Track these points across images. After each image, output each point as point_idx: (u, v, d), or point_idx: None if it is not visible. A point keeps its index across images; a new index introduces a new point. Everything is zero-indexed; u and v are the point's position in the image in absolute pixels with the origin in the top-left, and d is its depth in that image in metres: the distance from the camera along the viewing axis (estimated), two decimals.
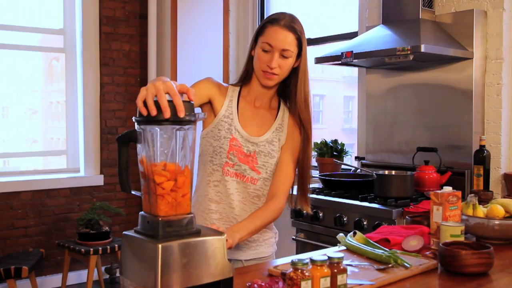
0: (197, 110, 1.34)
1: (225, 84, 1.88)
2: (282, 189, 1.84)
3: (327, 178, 3.05)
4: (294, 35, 1.75)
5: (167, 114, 1.17)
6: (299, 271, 1.23)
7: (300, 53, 1.79)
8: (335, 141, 3.69)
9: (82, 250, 3.75)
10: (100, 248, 3.77)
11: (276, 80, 1.79)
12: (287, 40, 1.74)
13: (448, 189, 1.80)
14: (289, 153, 1.87)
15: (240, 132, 1.81)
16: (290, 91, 1.86)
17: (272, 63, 1.74)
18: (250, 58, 1.84)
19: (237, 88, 1.87)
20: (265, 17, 4.78)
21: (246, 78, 1.87)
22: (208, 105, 1.84)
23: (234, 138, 1.80)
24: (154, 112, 1.17)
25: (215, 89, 1.83)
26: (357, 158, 3.49)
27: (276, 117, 1.88)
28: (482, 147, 2.78)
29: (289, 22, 1.75)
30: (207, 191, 1.85)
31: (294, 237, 3.01)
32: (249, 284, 1.33)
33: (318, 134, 5.79)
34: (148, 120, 1.20)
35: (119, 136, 1.29)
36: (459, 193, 1.77)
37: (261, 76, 1.78)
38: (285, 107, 1.90)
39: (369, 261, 1.57)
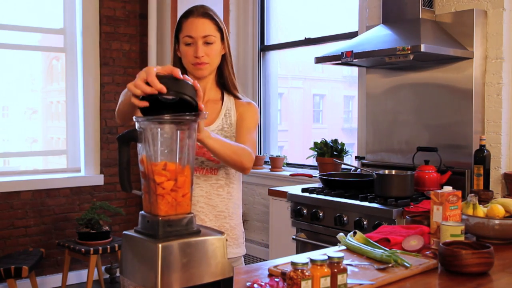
0: None
1: None
2: (245, 143, 1.85)
3: (327, 178, 3.05)
4: (211, 21, 1.81)
5: (163, 89, 1.21)
6: (299, 270, 1.23)
7: (223, 38, 1.84)
8: (335, 141, 3.69)
9: (82, 249, 3.75)
10: (100, 248, 3.77)
11: (208, 68, 1.81)
12: (205, 27, 1.78)
13: (448, 188, 1.80)
14: (243, 126, 1.90)
15: None
16: (226, 79, 1.90)
17: (198, 52, 1.76)
18: (177, 59, 1.85)
19: None
20: (265, 17, 4.80)
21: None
22: None
23: None
24: (155, 89, 1.22)
25: None
26: (357, 157, 3.49)
27: (222, 106, 1.90)
28: (482, 147, 2.78)
29: (202, 10, 1.81)
30: None
31: (294, 237, 3.01)
32: (249, 284, 1.33)
33: (318, 134, 5.80)
34: (156, 99, 1.23)
35: (119, 136, 1.29)
36: (459, 192, 1.77)
37: (193, 69, 1.81)
38: (228, 96, 1.92)
39: (369, 261, 1.57)
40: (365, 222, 2.64)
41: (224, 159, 1.69)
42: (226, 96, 1.92)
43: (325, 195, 2.93)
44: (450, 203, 1.74)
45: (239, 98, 1.94)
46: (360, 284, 1.36)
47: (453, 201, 1.75)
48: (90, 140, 4.50)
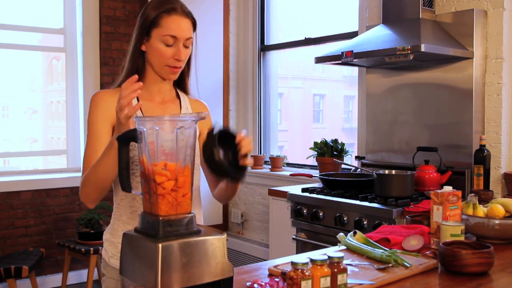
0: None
1: (116, 87, 1.67)
2: None
3: (327, 177, 3.05)
4: (192, 22, 1.65)
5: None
6: (299, 270, 1.23)
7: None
8: (335, 141, 3.69)
9: (82, 249, 3.75)
10: (100, 248, 3.77)
11: (179, 72, 1.67)
12: (188, 28, 1.62)
13: (448, 188, 1.80)
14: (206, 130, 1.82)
15: None
16: (184, 79, 1.77)
17: (181, 56, 1.61)
18: (140, 54, 1.64)
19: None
20: (265, 17, 4.79)
21: (139, 75, 1.59)
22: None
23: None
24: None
25: (111, 111, 1.57)
26: (357, 157, 3.49)
27: (180, 107, 1.76)
28: (482, 147, 2.78)
29: (186, 9, 1.64)
30: (135, 207, 1.65)
31: (294, 237, 3.01)
32: (249, 284, 1.33)
33: (318, 134, 5.80)
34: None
35: (119, 136, 1.29)
36: (459, 192, 1.77)
37: (166, 71, 1.64)
38: (182, 94, 1.80)
39: (369, 261, 1.57)
40: (365, 222, 2.64)
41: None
42: (180, 94, 1.80)
43: (325, 195, 2.93)
44: (450, 203, 1.74)
45: (187, 94, 1.82)
46: (360, 284, 1.36)
47: (453, 201, 1.75)
48: None
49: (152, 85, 1.69)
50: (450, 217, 1.74)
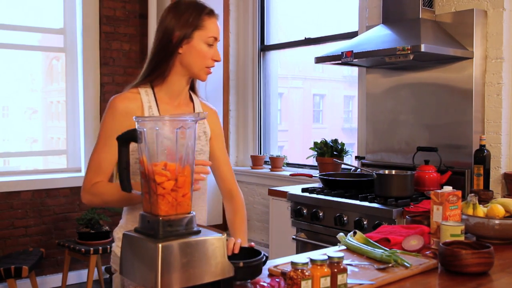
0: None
1: (130, 88, 1.69)
2: (233, 180, 1.86)
3: (327, 177, 3.05)
4: None
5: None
6: (299, 270, 1.23)
7: None
8: (335, 141, 3.69)
9: (82, 249, 3.75)
10: (100, 248, 3.77)
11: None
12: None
13: (448, 188, 1.80)
14: (220, 141, 1.85)
15: None
16: (195, 80, 1.80)
17: (219, 57, 1.68)
18: (171, 55, 1.65)
19: (150, 90, 1.68)
20: (265, 17, 4.79)
21: (159, 77, 1.67)
22: None
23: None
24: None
25: (129, 120, 1.55)
26: (357, 157, 3.49)
27: (194, 110, 1.78)
28: (482, 147, 2.78)
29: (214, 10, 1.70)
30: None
31: (294, 237, 3.01)
32: (251, 284, 1.33)
33: (318, 134, 5.80)
34: None
35: (119, 136, 1.29)
36: (459, 192, 1.77)
37: (204, 72, 1.68)
38: (195, 96, 1.82)
39: (369, 261, 1.57)
40: (365, 222, 2.64)
41: None
42: (193, 96, 1.82)
43: (325, 195, 2.93)
44: (450, 203, 1.74)
45: (198, 97, 1.84)
46: (360, 284, 1.36)
47: (453, 201, 1.75)
48: (90, 140, 4.49)
49: (173, 87, 1.70)
50: (450, 217, 1.74)
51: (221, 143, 1.86)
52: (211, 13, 1.67)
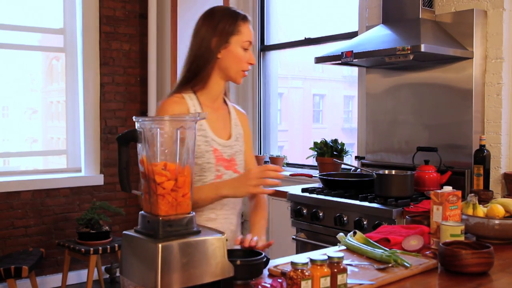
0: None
1: (173, 94, 1.77)
2: None
3: (327, 177, 3.05)
4: None
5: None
6: (299, 270, 1.23)
7: None
8: (335, 141, 3.69)
9: (82, 249, 3.75)
10: (100, 248, 3.77)
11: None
12: None
13: (448, 188, 1.80)
14: (248, 142, 1.93)
15: (217, 141, 1.76)
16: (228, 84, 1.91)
17: (254, 60, 1.79)
18: (211, 61, 1.74)
19: (193, 95, 1.77)
20: (265, 17, 4.80)
21: (201, 82, 1.76)
22: None
23: (215, 149, 1.75)
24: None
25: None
26: (357, 157, 3.49)
27: (229, 113, 1.88)
28: (482, 147, 2.78)
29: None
30: (202, 210, 1.74)
31: (294, 237, 3.01)
32: (253, 283, 1.33)
33: (318, 134, 5.80)
34: None
35: (119, 136, 1.29)
36: (459, 192, 1.78)
37: (240, 75, 1.79)
38: (227, 99, 1.92)
39: (369, 261, 1.57)
40: (365, 222, 2.64)
41: None
42: (226, 100, 1.92)
43: (325, 195, 2.93)
44: (450, 203, 1.74)
45: (229, 100, 1.95)
46: (360, 284, 1.36)
47: (453, 201, 1.75)
48: (90, 140, 4.49)
49: (213, 91, 1.80)
50: (450, 217, 1.74)
51: (250, 144, 1.96)
52: (245, 18, 1.76)
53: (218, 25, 1.73)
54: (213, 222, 1.74)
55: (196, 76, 1.76)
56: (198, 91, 1.78)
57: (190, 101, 1.75)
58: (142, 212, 1.26)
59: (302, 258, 1.26)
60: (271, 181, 1.62)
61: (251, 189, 1.60)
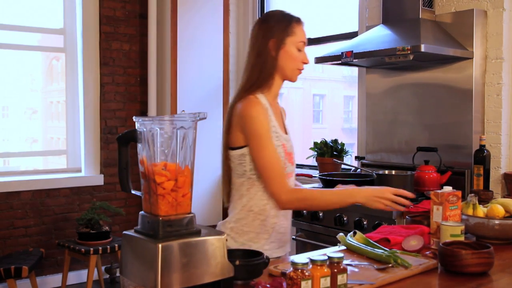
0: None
1: (255, 97, 1.85)
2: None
3: (327, 178, 3.05)
4: None
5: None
6: (299, 270, 1.23)
7: None
8: (335, 141, 3.69)
9: (82, 249, 3.75)
10: (100, 248, 3.77)
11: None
12: None
13: (448, 188, 1.80)
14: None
15: (283, 136, 1.88)
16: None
17: (307, 59, 1.89)
18: (271, 62, 1.84)
19: (262, 95, 1.87)
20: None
21: (267, 83, 1.87)
22: None
23: (283, 144, 1.86)
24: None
25: (267, 116, 1.83)
26: (357, 158, 3.49)
27: (279, 108, 1.99)
28: (482, 147, 2.78)
29: None
30: (268, 201, 1.84)
31: (294, 237, 3.00)
32: (253, 283, 1.33)
33: (318, 134, 5.80)
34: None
35: (119, 136, 1.29)
36: (459, 192, 1.78)
37: (296, 74, 1.89)
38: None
39: (369, 261, 1.58)
40: (365, 222, 2.64)
41: None
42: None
43: None
44: (450, 203, 1.74)
45: None
46: (360, 284, 1.36)
47: (453, 201, 1.75)
48: (90, 140, 4.49)
49: (275, 91, 1.92)
50: (450, 217, 1.74)
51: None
52: (299, 20, 1.88)
53: (274, 28, 1.85)
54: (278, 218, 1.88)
55: (261, 78, 1.85)
56: (264, 92, 1.88)
57: (263, 100, 1.85)
58: (142, 212, 1.26)
59: (302, 258, 1.26)
60: (399, 207, 1.77)
61: (382, 206, 1.75)
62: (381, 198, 1.75)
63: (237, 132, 1.80)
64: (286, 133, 1.93)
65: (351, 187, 1.91)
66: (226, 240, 1.28)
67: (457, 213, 1.77)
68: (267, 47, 1.84)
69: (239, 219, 1.86)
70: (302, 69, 1.89)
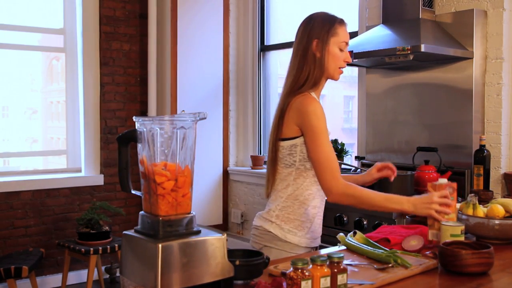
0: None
1: (305, 93, 1.92)
2: None
3: None
4: None
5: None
6: (299, 270, 1.23)
7: None
8: (335, 141, 3.69)
9: (82, 249, 3.75)
10: (100, 248, 3.77)
11: None
12: None
13: (443, 180, 1.81)
14: None
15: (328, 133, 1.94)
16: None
17: (349, 58, 1.95)
18: (316, 62, 1.91)
19: (313, 93, 1.94)
20: (265, 17, 4.79)
21: (315, 82, 1.93)
22: None
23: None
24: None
25: (325, 115, 1.89)
26: (357, 157, 3.49)
27: None
28: (482, 147, 2.78)
29: None
30: (311, 190, 1.94)
31: None
32: (253, 283, 1.33)
33: None
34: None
35: (119, 136, 1.29)
36: (455, 184, 1.81)
37: (337, 73, 1.96)
38: None
39: (369, 261, 1.58)
40: (365, 222, 2.64)
41: None
42: None
43: None
44: None
45: None
46: (360, 284, 1.36)
47: (449, 192, 1.76)
48: (90, 140, 4.49)
49: (320, 88, 1.99)
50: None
51: None
52: (341, 21, 1.96)
53: (318, 28, 1.93)
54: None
55: (309, 77, 1.92)
56: (313, 90, 1.94)
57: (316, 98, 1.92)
58: (142, 212, 1.26)
59: (302, 258, 1.26)
60: (447, 211, 1.74)
61: (432, 212, 1.74)
62: (430, 204, 1.75)
63: (291, 125, 1.87)
64: None
65: (402, 197, 1.91)
66: (227, 240, 1.28)
67: (453, 204, 1.78)
68: (312, 48, 1.91)
69: (285, 207, 1.93)
70: (344, 67, 1.96)
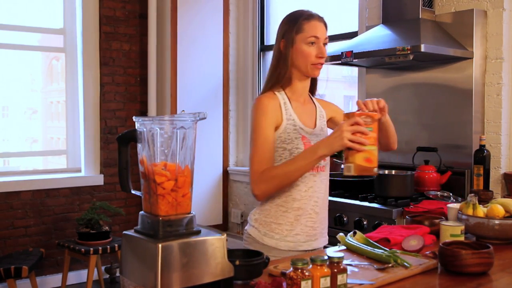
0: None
1: (265, 93, 1.92)
2: None
3: None
4: (324, 25, 1.95)
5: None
6: (299, 270, 1.23)
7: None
8: None
9: (82, 249, 3.75)
10: (100, 248, 3.77)
11: (321, 68, 1.94)
12: (324, 30, 1.94)
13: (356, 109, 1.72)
14: (341, 112, 2.13)
15: (305, 129, 1.92)
16: (315, 80, 2.03)
17: (324, 52, 1.90)
18: (286, 60, 1.89)
19: (282, 92, 1.93)
20: (265, 17, 4.79)
21: (284, 80, 1.92)
22: None
23: (303, 136, 1.90)
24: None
25: (275, 113, 1.87)
26: None
27: (315, 106, 2.03)
28: (482, 147, 2.78)
29: (320, 16, 1.94)
30: (290, 192, 1.91)
31: None
32: (253, 283, 1.33)
33: None
34: None
35: (119, 136, 1.29)
36: (375, 114, 1.66)
37: (310, 69, 1.89)
38: (312, 96, 2.07)
39: (369, 261, 1.57)
40: (365, 222, 2.64)
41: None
42: (311, 96, 2.06)
43: None
44: (364, 125, 1.62)
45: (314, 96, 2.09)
46: (360, 284, 1.36)
47: (367, 121, 1.62)
48: (90, 140, 4.49)
49: (297, 87, 1.95)
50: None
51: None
52: (309, 17, 1.90)
53: (283, 28, 1.92)
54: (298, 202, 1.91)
55: (280, 76, 1.91)
56: (285, 88, 1.93)
57: (280, 96, 1.91)
58: (142, 212, 1.26)
59: (302, 258, 1.26)
60: (361, 140, 1.60)
61: (345, 141, 1.60)
62: (341, 133, 1.61)
63: None
64: (314, 127, 1.97)
65: (312, 145, 1.83)
66: (227, 240, 1.28)
67: (373, 136, 1.62)
68: (280, 48, 1.91)
69: (263, 210, 1.97)
70: (319, 63, 1.89)
